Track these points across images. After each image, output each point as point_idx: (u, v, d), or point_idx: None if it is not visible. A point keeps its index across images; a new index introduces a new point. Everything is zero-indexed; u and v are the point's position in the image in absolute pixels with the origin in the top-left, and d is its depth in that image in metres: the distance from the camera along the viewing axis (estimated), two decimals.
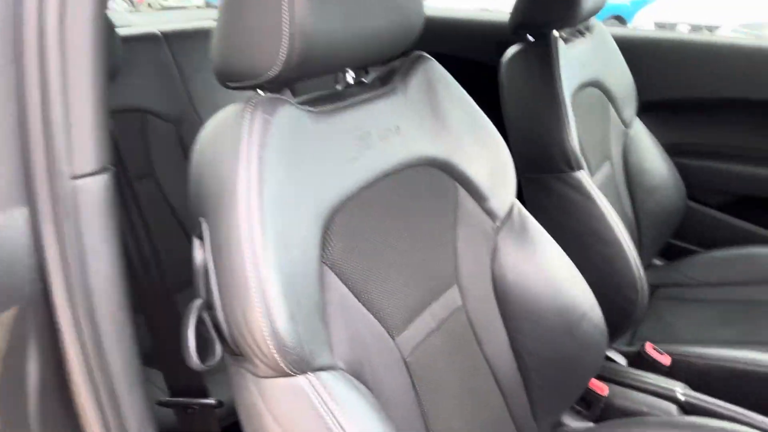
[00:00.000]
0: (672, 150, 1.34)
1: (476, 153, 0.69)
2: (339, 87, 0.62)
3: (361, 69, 0.63)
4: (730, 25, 4.26)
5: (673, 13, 4.79)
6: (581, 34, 1.16)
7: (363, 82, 0.63)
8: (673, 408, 0.89)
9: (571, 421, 0.88)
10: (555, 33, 1.01)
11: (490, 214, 0.70)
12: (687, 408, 0.90)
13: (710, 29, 4.37)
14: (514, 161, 0.75)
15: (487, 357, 0.69)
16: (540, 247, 0.74)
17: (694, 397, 0.90)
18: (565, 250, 0.76)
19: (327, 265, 0.51)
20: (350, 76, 0.62)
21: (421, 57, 0.67)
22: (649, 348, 1.00)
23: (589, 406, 0.90)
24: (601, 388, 0.90)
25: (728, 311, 1.13)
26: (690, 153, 1.42)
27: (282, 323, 0.43)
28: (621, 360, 1.03)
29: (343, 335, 0.51)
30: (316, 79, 0.61)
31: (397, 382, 0.56)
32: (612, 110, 1.21)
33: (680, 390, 0.91)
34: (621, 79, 1.25)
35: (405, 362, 0.58)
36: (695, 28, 4.46)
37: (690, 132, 1.44)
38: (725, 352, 0.98)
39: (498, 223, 0.70)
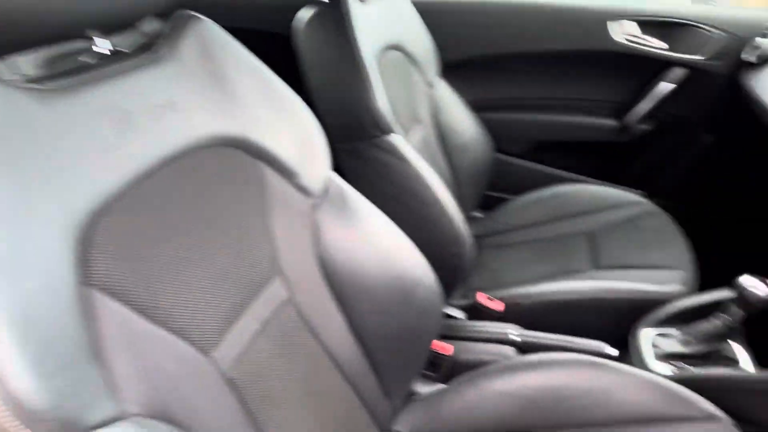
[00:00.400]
0: (475, 106, 1.39)
1: (278, 125, 0.61)
2: (84, 59, 0.48)
3: (109, 34, 0.50)
4: None
5: None
6: None
7: (119, 51, 0.51)
8: (511, 350, 0.93)
9: (422, 387, 0.88)
10: None
11: (303, 191, 0.63)
12: (523, 347, 0.94)
13: None
14: (326, 132, 0.69)
15: (326, 347, 0.62)
16: (363, 219, 0.70)
17: (527, 336, 0.95)
18: (389, 216, 0.74)
19: (95, 287, 0.39)
20: (104, 46, 0.49)
21: (191, 17, 0.56)
22: (481, 297, 1.02)
23: (437, 368, 0.90)
24: (445, 347, 0.91)
25: (543, 248, 1.23)
26: (491, 107, 1.50)
27: (23, 383, 0.31)
28: (459, 314, 1.05)
29: (134, 370, 0.40)
30: None
31: (219, 407, 0.47)
32: (416, 72, 1.20)
33: (514, 332, 0.95)
34: (420, 40, 1.26)
35: (227, 380, 0.48)
36: None
37: (489, 87, 1.52)
38: (545, 287, 1.05)
39: (315, 200, 0.64)
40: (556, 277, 1.09)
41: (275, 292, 0.58)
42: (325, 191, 0.66)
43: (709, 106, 1.44)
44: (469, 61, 1.47)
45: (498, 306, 1.02)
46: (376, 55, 0.99)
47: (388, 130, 0.96)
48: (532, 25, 1.44)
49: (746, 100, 1.27)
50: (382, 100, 0.95)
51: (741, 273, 0.88)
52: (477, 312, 1.03)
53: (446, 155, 1.26)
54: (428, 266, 0.76)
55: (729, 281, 0.93)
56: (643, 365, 0.88)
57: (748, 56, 1.29)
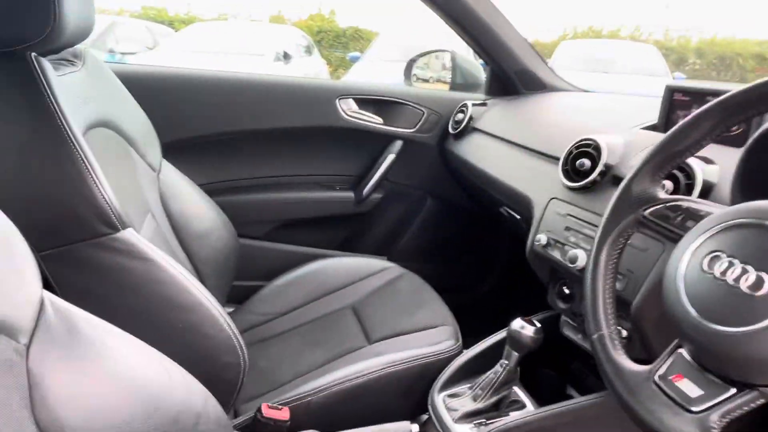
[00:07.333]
0: (209, 190, 1.28)
1: None
2: None
3: None
4: None
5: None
6: (70, 62, 0.89)
7: None
8: None
9: None
10: (35, 55, 0.76)
11: (3, 329, 0.41)
12: None
13: None
14: (25, 236, 0.50)
15: None
16: (108, 351, 0.50)
17: None
18: (137, 336, 0.56)
19: None
20: None
21: None
22: (266, 408, 0.90)
23: None
24: None
25: (312, 331, 1.18)
26: (227, 190, 1.46)
27: None
28: None
29: None
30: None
31: None
32: (135, 154, 1.00)
33: None
34: (134, 117, 1.06)
35: None
36: None
37: (221, 169, 1.48)
38: (330, 376, 0.99)
39: (24, 340, 0.43)
40: (337, 361, 1.05)
41: None
42: (39, 322, 0.45)
43: (425, 173, 1.57)
44: (195, 140, 1.39)
45: (284, 414, 0.90)
46: (81, 133, 0.77)
47: (120, 225, 0.76)
48: (261, 102, 1.43)
49: (453, 163, 1.54)
50: (106, 186, 0.76)
51: (492, 315, 0.97)
52: (260, 427, 0.89)
53: (185, 248, 1.09)
54: (206, 392, 0.62)
55: (486, 326, 1.02)
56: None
57: (451, 128, 1.56)
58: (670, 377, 0.57)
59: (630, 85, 5.92)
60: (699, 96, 0.98)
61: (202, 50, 6.12)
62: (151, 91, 1.23)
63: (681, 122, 0.66)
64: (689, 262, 0.56)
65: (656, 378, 0.58)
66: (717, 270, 0.53)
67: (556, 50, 7.63)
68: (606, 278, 0.69)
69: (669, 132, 0.67)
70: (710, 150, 0.82)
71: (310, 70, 7.38)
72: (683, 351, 0.57)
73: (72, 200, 0.74)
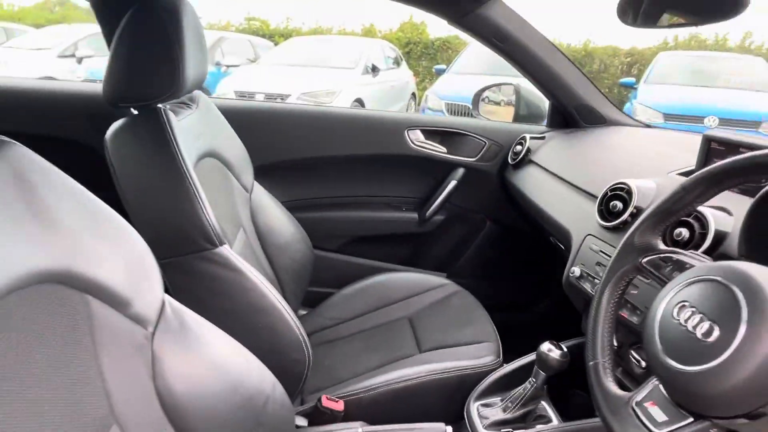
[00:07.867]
0: (291, 206, 1.48)
1: (103, 251, 0.54)
2: None
3: None
4: (295, 94, 5.66)
5: (249, 84, 6.06)
6: (187, 105, 1.11)
7: None
8: None
9: None
10: (161, 106, 0.97)
11: (138, 320, 0.57)
12: None
13: (282, 97, 5.69)
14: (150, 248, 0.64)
15: None
16: (205, 342, 0.66)
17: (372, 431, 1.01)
18: (226, 331, 0.71)
19: None
20: None
21: (2, 143, 0.51)
22: (325, 400, 1.05)
23: None
24: None
25: (371, 337, 1.32)
26: (306, 207, 1.66)
27: None
28: (303, 422, 1.06)
29: None
30: None
31: None
32: (232, 178, 1.22)
33: (360, 430, 1.00)
34: (234, 146, 1.27)
35: None
36: (269, 97, 5.70)
37: (303, 189, 1.69)
38: (381, 377, 1.12)
39: (151, 329, 0.58)
40: (389, 365, 1.17)
41: None
42: (161, 316, 0.60)
43: (485, 198, 1.69)
44: (281, 164, 1.60)
45: (339, 406, 1.05)
46: (193, 164, 0.97)
47: (218, 242, 0.95)
48: (339, 132, 1.63)
49: (511, 191, 1.64)
50: (210, 211, 0.94)
51: (537, 336, 1.03)
52: (319, 416, 1.04)
53: (268, 257, 1.29)
54: (275, 379, 0.74)
55: (530, 345, 1.08)
56: None
57: (510, 159, 1.67)
58: (645, 403, 0.68)
59: (733, 101, 5.60)
60: (733, 147, 1.03)
61: (296, 64, 6.67)
62: (247, 123, 1.44)
63: (678, 186, 0.75)
64: (665, 308, 0.67)
65: (633, 403, 0.69)
66: (682, 317, 0.63)
67: (653, 61, 7.24)
68: (606, 315, 0.79)
69: (668, 194, 0.77)
70: (730, 200, 0.91)
71: (397, 81, 7.65)
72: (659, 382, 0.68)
73: (184, 221, 0.93)
